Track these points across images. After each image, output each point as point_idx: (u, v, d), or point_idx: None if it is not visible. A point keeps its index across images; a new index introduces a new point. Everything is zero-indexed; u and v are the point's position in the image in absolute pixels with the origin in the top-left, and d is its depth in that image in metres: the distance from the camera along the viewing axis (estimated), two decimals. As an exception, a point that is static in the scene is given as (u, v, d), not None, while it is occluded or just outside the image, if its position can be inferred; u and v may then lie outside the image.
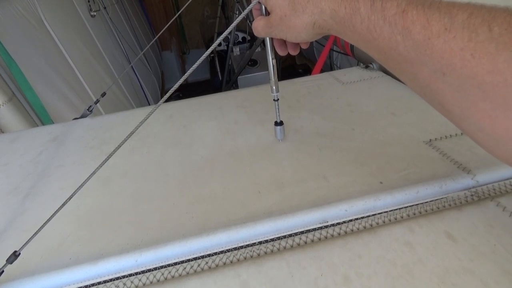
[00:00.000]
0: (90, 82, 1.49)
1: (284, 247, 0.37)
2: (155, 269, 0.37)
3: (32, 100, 1.11)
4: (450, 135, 0.50)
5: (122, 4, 2.84)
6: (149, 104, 2.41)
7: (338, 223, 0.39)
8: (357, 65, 0.87)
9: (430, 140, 0.50)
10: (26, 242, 0.38)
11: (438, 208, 0.39)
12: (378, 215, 0.39)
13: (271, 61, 0.49)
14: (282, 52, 0.46)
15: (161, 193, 0.48)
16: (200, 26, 4.18)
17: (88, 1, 1.91)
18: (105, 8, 2.23)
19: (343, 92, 0.71)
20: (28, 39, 1.22)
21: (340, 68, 2.01)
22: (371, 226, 0.38)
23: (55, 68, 1.31)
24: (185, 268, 0.36)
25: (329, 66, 2.12)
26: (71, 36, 1.52)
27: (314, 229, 0.39)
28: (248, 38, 2.98)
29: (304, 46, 0.44)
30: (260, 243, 0.38)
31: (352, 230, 0.38)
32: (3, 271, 0.37)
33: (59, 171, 0.58)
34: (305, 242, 0.37)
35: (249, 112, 0.68)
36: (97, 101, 0.89)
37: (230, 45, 2.83)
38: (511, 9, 0.21)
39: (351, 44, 1.04)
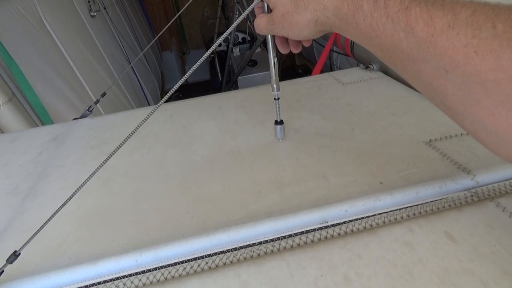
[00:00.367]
0: (90, 82, 1.49)
1: (284, 247, 0.37)
2: (155, 269, 0.37)
3: (32, 100, 1.11)
4: (450, 136, 0.51)
5: (122, 4, 2.84)
6: (149, 105, 2.41)
7: (338, 224, 0.39)
8: (357, 65, 0.87)
9: (430, 140, 0.50)
10: (26, 242, 0.38)
11: (438, 209, 0.39)
12: (378, 216, 0.39)
13: (272, 60, 0.48)
14: (284, 50, 0.46)
15: (161, 193, 0.48)
16: (200, 26, 4.18)
17: (88, 1, 1.91)
18: (105, 8, 2.23)
19: (343, 92, 0.71)
20: (28, 39, 1.22)
21: (340, 68, 2.01)
22: (371, 226, 0.38)
23: (55, 68, 1.31)
24: (185, 268, 0.36)
25: (329, 67, 2.12)
26: (71, 36, 1.52)
27: (314, 229, 0.39)
28: (248, 38, 2.98)
29: (306, 44, 0.44)
30: (260, 243, 0.38)
31: (352, 231, 0.38)
32: (3, 271, 0.37)
33: (59, 171, 0.58)
34: (305, 242, 0.37)
35: (249, 112, 0.68)
36: (97, 101, 0.89)
37: (230, 46, 2.83)
38: None
39: (351, 45, 1.04)
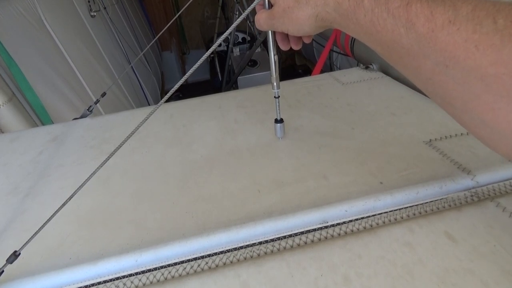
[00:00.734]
0: (90, 82, 1.49)
1: (284, 247, 0.37)
2: (155, 269, 0.37)
3: (32, 100, 1.11)
4: (450, 136, 0.51)
5: (122, 4, 2.84)
6: (149, 105, 2.41)
7: (338, 224, 0.39)
8: (357, 65, 0.87)
9: (430, 140, 0.50)
10: (26, 242, 0.38)
11: (438, 209, 0.39)
12: (378, 216, 0.39)
13: (272, 57, 0.48)
14: (284, 47, 0.46)
15: (161, 193, 0.48)
16: (200, 26, 4.18)
17: (88, 1, 1.91)
18: (105, 8, 2.23)
19: (343, 92, 0.71)
20: (28, 39, 1.22)
21: (340, 68, 2.01)
22: (371, 226, 0.38)
23: (55, 68, 1.31)
24: (185, 268, 0.36)
25: (329, 67, 2.12)
26: (71, 36, 1.52)
27: (314, 229, 0.39)
28: (248, 38, 2.98)
29: (306, 40, 0.44)
30: (260, 243, 0.38)
31: (352, 231, 0.38)
32: (3, 271, 0.37)
33: (59, 171, 0.58)
34: (305, 242, 0.37)
35: (249, 112, 0.68)
36: (97, 101, 0.89)
37: (230, 46, 2.83)
38: None
39: (351, 45, 1.04)
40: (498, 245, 0.33)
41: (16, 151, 0.66)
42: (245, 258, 0.36)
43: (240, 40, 3.05)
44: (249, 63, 2.40)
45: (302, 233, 0.38)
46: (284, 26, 0.39)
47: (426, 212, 0.38)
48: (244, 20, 2.65)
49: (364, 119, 0.59)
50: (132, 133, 0.41)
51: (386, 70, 0.79)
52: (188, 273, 0.35)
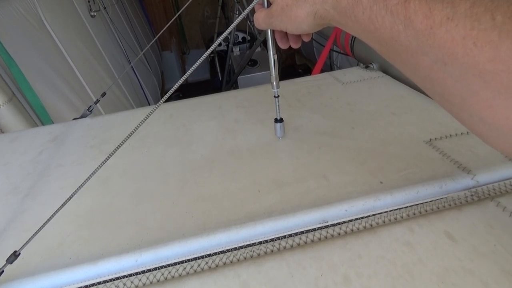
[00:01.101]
0: (90, 82, 1.49)
1: (284, 247, 0.37)
2: (155, 269, 0.37)
3: (32, 100, 1.11)
4: (450, 135, 0.50)
5: (122, 4, 2.84)
6: (149, 104, 2.41)
7: (338, 223, 0.39)
8: (357, 65, 0.87)
9: (430, 139, 0.50)
10: (26, 242, 0.38)
11: (438, 208, 0.39)
12: (378, 215, 0.39)
13: (272, 57, 0.48)
14: (283, 45, 0.46)
15: (161, 193, 0.48)
16: (200, 26, 4.18)
17: (88, 1, 1.91)
18: (105, 8, 2.23)
19: (343, 92, 0.71)
20: (28, 39, 1.22)
21: (340, 68, 2.01)
22: (371, 226, 0.38)
23: (55, 68, 1.31)
24: (185, 268, 0.36)
25: (329, 66, 2.12)
26: (71, 36, 1.52)
27: (314, 229, 0.39)
28: (248, 38, 2.98)
29: (305, 39, 0.44)
30: (260, 243, 0.38)
31: (352, 230, 0.38)
32: (3, 271, 0.37)
33: (59, 171, 0.58)
34: (305, 242, 0.37)
35: (249, 112, 0.68)
36: (97, 101, 0.89)
37: (230, 45, 2.83)
38: None
39: (351, 44, 1.04)
40: (498, 245, 0.33)
41: (16, 151, 0.66)
42: (245, 258, 0.36)
43: (240, 39, 3.05)
44: (249, 63, 2.40)
45: (302, 232, 0.38)
46: (282, 25, 0.39)
47: (426, 211, 0.38)
48: (244, 19, 2.65)
49: (364, 119, 0.59)
50: (132, 133, 0.41)
51: (386, 70, 0.79)
52: (188, 273, 0.35)
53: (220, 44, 3.19)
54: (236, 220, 0.41)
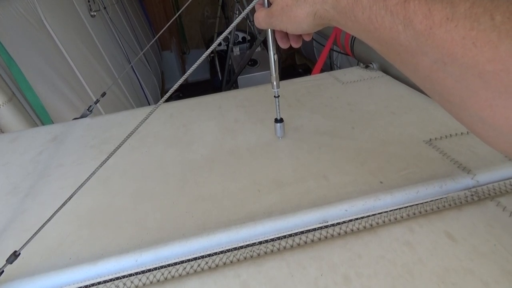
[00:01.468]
0: (90, 82, 1.49)
1: (284, 247, 0.37)
2: (155, 269, 0.37)
3: (32, 100, 1.11)
4: (450, 135, 0.50)
5: (122, 4, 2.84)
6: (149, 104, 2.41)
7: (338, 223, 0.39)
8: (357, 65, 0.87)
9: (430, 139, 0.50)
10: (26, 242, 0.38)
11: (438, 208, 0.39)
12: (378, 215, 0.39)
13: (272, 57, 0.48)
14: (284, 45, 0.46)
15: (161, 193, 0.48)
16: (200, 26, 4.18)
17: (88, 1, 1.91)
18: (105, 8, 2.23)
19: (343, 91, 0.71)
20: (28, 39, 1.22)
21: (340, 68, 2.01)
22: (371, 226, 0.38)
23: (55, 68, 1.31)
24: (185, 268, 0.36)
25: (329, 66, 2.12)
26: (71, 36, 1.52)
27: (314, 229, 0.39)
28: (248, 38, 2.98)
29: (306, 38, 0.44)
30: (260, 243, 0.38)
31: (352, 230, 0.38)
32: (3, 271, 0.37)
33: (59, 171, 0.58)
34: (305, 242, 0.37)
35: (249, 112, 0.68)
36: (97, 101, 0.89)
37: (230, 45, 2.83)
38: None
39: (351, 44, 1.04)
40: (498, 245, 0.33)
41: (16, 151, 0.66)
42: (245, 258, 0.36)
43: (240, 39, 3.05)
44: (249, 63, 2.40)
45: (302, 232, 0.38)
46: (282, 25, 0.39)
47: (426, 211, 0.38)
48: (244, 19, 2.65)
49: (364, 119, 0.59)
50: (132, 133, 0.41)
51: (386, 69, 0.79)
52: (188, 273, 0.35)
53: (220, 44, 3.19)
54: (236, 220, 0.41)
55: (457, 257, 0.33)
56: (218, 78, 3.38)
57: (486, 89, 0.22)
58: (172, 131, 0.65)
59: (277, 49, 0.48)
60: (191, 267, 0.36)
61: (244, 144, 0.57)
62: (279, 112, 0.54)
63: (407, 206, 0.40)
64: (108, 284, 0.36)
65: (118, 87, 1.82)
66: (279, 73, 0.50)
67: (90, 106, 0.85)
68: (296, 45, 0.45)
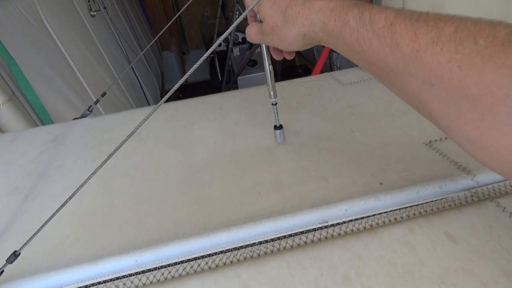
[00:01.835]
0: (90, 82, 1.49)
1: (284, 247, 0.37)
2: (155, 269, 0.37)
3: (32, 99, 1.11)
4: (450, 136, 0.51)
5: (122, 4, 2.84)
6: (149, 104, 2.41)
7: (338, 223, 0.39)
8: (357, 65, 0.87)
9: (430, 141, 0.50)
10: (26, 242, 0.38)
11: (438, 209, 0.39)
12: (378, 216, 0.39)
13: (267, 67, 0.49)
14: (277, 57, 0.46)
15: (161, 195, 0.48)
16: (200, 26, 4.18)
17: (88, 1, 1.91)
18: (105, 8, 2.23)
19: (343, 93, 0.71)
20: (28, 39, 1.22)
21: (340, 68, 2.01)
22: (371, 226, 0.38)
23: (55, 68, 1.31)
24: (185, 268, 0.36)
25: (329, 67, 2.12)
26: (71, 36, 1.52)
27: (314, 229, 0.39)
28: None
29: (300, 50, 0.44)
30: (260, 243, 0.38)
31: (352, 231, 0.38)
32: (3, 271, 0.37)
33: (59, 172, 0.58)
34: (305, 242, 0.37)
35: (249, 113, 0.68)
36: (97, 101, 0.89)
37: (230, 46, 2.83)
38: (495, 22, 0.22)
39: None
40: (498, 245, 0.33)
41: (16, 151, 0.66)
42: (245, 258, 0.36)
43: (240, 40, 3.05)
44: (249, 63, 2.40)
45: (302, 233, 0.38)
46: (273, 42, 0.40)
47: (426, 212, 0.38)
48: (244, 20, 2.64)
49: (364, 121, 0.59)
50: (131, 134, 0.41)
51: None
52: (188, 273, 0.35)
53: (220, 45, 3.19)
54: (236, 220, 0.41)
55: (457, 257, 0.33)
56: (218, 79, 3.38)
57: (473, 111, 0.22)
58: (172, 132, 0.65)
59: (272, 58, 0.48)
60: (191, 267, 0.36)
61: (245, 147, 0.57)
62: (278, 119, 0.54)
63: (407, 207, 0.40)
64: (108, 284, 0.36)
65: (118, 87, 1.82)
66: (277, 79, 0.50)
67: (90, 106, 0.85)
68: (289, 57, 0.46)
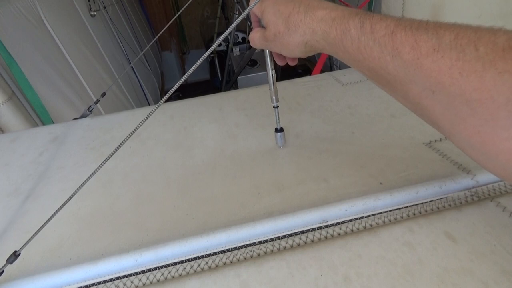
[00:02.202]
0: (90, 82, 1.49)
1: (284, 247, 0.37)
2: (155, 269, 0.37)
3: (32, 99, 1.11)
4: (450, 136, 0.51)
5: (122, 4, 2.84)
6: (149, 104, 2.42)
7: (338, 223, 0.39)
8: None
9: (430, 141, 0.50)
10: (26, 242, 0.38)
11: (438, 208, 0.39)
12: (378, 215, 0.39)
13: (270, 72, 0.49)
14: (280, 62, 0.47)
15: (162, 196, 0.48)
16: (200, 26, 4.18)
17: (88, 1, 1.91)
18: (105, 8, 2.23)
19: (343, 93, 0.71)
20: (28, 39, 1.22)
21: (339, 68, 2.01)
22: (371, 226, 0.38)
23: (55, 67, 1.31)
24: (185, 268, 0.36)
25: (329, 67, 2.12)
26: (71, 36, 1.52)
27: (314, 229, 0.39)
28: (248, 38, 2.97)
29: (303, 56, 0.45)
30: (260, 243, 0.38)
31: (352, 230, 0.38)
32: (3, 271, 0.37)
33: (59, 173, 0.58)
34: (305, 242, 0.37)
35: (250, 115, 0.67)
36: (97, 101, 0.89)
37: (230, 46, 2.83)
38: (495, 29, 0.22)
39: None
40: (498, 245, 0.33)
41: (16, 152, 0.66)
42: (245, 258, 0.36)
43: (240, 40, 3.05)
44: (249, 63, 2.40)
45: (302, 232, 0.38)
46: (276, 49, 0.41)
47: (426, 211, 0.39)
48: (244, 19, 2.65)
49: (364, 122, 0.59)
50: (131, 134, 0.41)
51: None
52: (188, 273, 0.36)
53: (220, 44, 3.19)
54: (236, 220, 0.41)
55: (457, 257, 0.33)
56: (218, 79, 3.37)
57: (474, 116, 0.23)
58: (173, 133, 0.65)
59: (275, 63, 0.48)
60: (191, 267, 0.36)
61: (245, 149, 0.57)
62: (278, 122, 0.54)
63: (407, 206, 0.40)
64: (108, 284, 0.36)
65: (118, 87, 1.82)
66: (277, 79, 0.51)
67: (90, 106, 0.85)
68: (292, 63, 0.47)
